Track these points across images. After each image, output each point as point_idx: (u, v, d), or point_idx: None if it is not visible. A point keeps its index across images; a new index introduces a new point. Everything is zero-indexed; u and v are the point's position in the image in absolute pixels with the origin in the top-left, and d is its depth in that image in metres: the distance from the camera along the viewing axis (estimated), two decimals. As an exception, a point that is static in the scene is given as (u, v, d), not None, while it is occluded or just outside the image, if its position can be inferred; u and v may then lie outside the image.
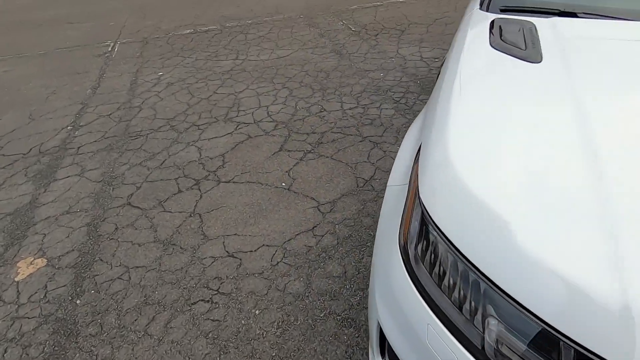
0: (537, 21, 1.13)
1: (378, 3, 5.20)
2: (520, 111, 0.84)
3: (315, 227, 1.87)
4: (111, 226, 1.97)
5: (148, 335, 1.46)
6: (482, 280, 0.63)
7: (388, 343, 0.82)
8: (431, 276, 0.72)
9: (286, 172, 2.25)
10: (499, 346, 0.60)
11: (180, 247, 1.82)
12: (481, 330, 0.63)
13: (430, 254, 0.73)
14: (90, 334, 1.48)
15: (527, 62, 0.96)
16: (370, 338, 0.94)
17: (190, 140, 2.61)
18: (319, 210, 1.97)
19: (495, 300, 0.61)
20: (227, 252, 1.78)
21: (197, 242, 1.84)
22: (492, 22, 1.18)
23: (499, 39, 1.07)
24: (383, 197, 1.03)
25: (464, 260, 0.65)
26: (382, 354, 0.91)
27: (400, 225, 0.85)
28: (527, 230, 0.62)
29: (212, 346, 1.40)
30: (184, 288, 1.62)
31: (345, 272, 1.64)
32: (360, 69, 3.42)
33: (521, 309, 0.57)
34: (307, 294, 1.56)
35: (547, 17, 1.15)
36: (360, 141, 2.47)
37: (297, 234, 1.84)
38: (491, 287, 0.61)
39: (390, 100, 2.90)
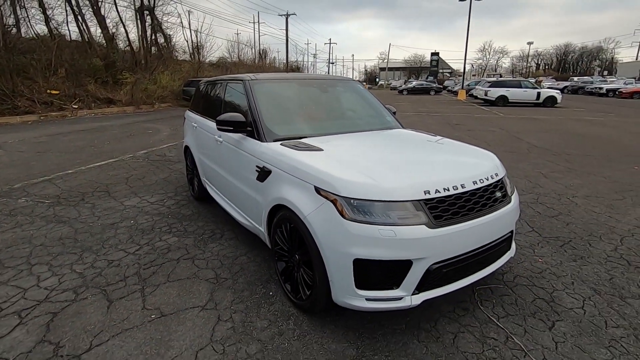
0: (303, 140, 2.48)
1: (47, 177, 5.03)
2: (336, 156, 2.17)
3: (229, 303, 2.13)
4: None
5: None
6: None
7: None
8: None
9: (143, 309, 2.21)
10: None
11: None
12: None
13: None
14: None
15: (319, 151, 2.24)
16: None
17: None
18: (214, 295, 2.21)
19: None
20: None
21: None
22: (283, 144, 2.40)
23: (297, 148, 2.30)
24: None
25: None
26: None
27: (339, 211, 1.81)
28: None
29: None
30: None
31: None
32: (105, 224, 3.48)
33: None
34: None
35: (297, 140, 2.52)
36: (177, 262, 2.78)
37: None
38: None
39: (165, 233, 3.30)
